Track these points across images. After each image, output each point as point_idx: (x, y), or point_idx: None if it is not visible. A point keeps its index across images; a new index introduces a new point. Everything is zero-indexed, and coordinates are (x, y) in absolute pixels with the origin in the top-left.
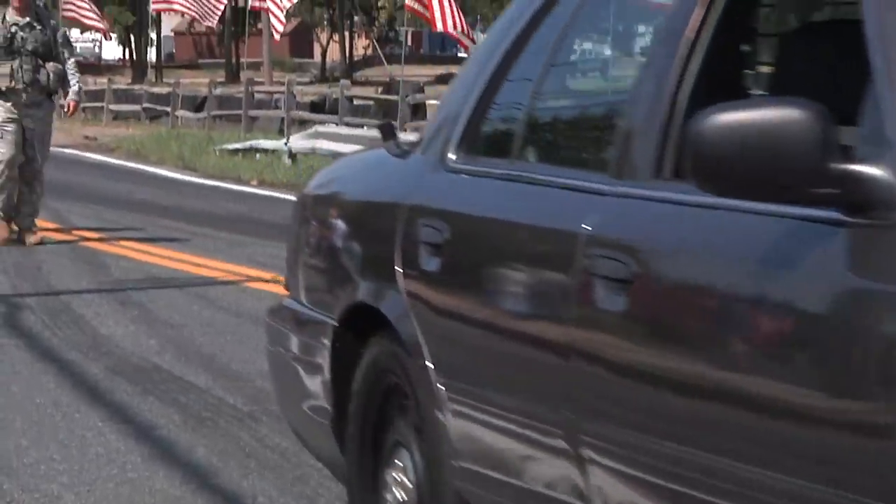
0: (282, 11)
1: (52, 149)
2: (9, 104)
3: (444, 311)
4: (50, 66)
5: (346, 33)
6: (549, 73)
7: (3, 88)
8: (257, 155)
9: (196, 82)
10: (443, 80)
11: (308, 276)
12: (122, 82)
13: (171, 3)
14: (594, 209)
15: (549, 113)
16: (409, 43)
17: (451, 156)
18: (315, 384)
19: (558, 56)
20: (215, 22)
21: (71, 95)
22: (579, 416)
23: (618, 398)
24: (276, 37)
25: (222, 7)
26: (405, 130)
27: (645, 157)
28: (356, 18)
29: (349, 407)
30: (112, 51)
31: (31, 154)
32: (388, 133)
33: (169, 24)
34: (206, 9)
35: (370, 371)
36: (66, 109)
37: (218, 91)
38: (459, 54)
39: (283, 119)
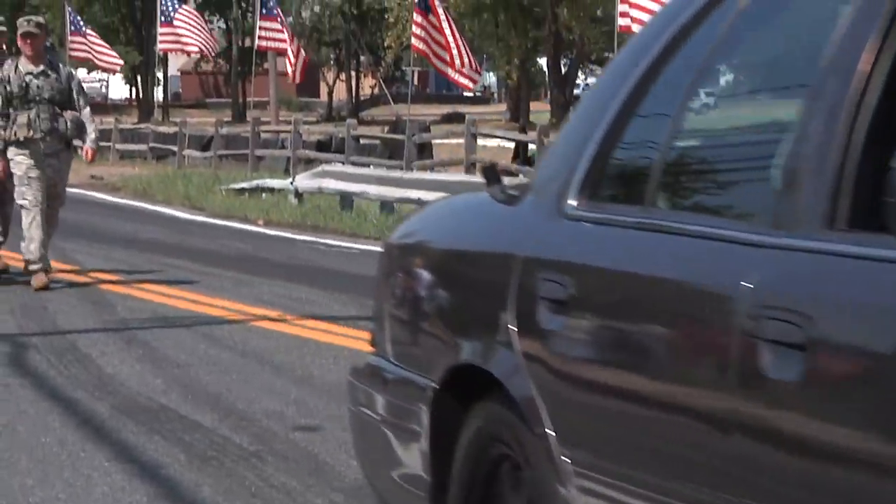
0: (296, 60)
1: None
2: (28, 153)
3: (569, 374)
4: (67, 114)
5: (353, 73)
6: (689, 106)
7: (22, 138)
8: (263, 194)
9: (203, 122)
10: (449, 119)
11: (398, 333)
12: (129, 121)
13: (178, 42)
14: (754, 264)
15: (690, 153)
16: (416, 82)
17: (571, 202)
18: (409, 451)
19: (700, 87)
20: (214, 50)
21: (89, 143)
22: (742, 499)
23: (790, 480)
24: (297, 79)
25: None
26: (411, 169)
27: (814, 205)
28: (363, 58)
29: (450, 478)
30: (119, 90)
31: (47, 202)
32: (493, 177)
33: (175, 64)
34: (207, 42)
35: (476, 439)
36: (85, 157)
37: (224, 130)
38: (465, 93)
39: (289, 158)
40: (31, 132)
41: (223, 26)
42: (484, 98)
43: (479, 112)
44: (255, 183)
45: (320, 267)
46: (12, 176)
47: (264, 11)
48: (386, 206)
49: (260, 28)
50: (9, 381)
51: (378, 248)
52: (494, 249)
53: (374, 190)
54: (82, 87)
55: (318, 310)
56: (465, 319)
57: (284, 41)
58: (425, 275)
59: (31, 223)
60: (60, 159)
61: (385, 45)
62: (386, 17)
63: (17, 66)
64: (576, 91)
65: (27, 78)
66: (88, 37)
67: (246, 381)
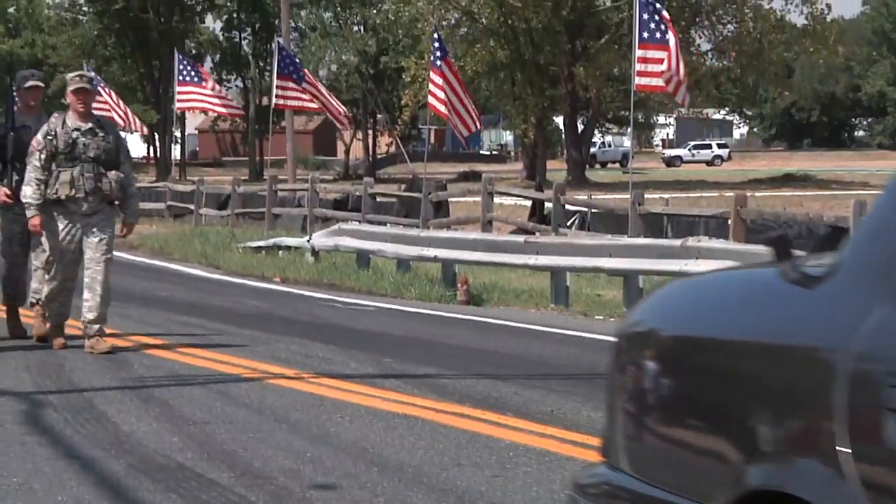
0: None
1: None
2: (66, 212)
3: None
4: (112, 174)
5: (370, 131)
6: None
7: (63, 196)
8: (280, 252)
9: (220, 180)
10: (465, 177)
11: (641, 442)
12: (147, 180)
13: (195, 101)
14: None
15: None
16: (432, 141)
17: None
18: None
19: None
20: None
21: (129, 217)
22: None
23: None
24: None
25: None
26: (428, 228)
27: None
28: (379, 117)
29: None
30: (136, 148)
31: (90, 264)
32: (784, 250)
33: (193, 123)
34: (225, 102)
35: None
36: (121, 233)
37: (241, 189)
38: (482, 152)
39: (305, 216)
40: (74, 191)
41: (240, 85)
42: (500, 156)
43: (496, 170)
44: (271, 241)
45: (337, 324)
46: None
47: (282, 71)
48: (402, 264)
49: (277, 87)
50: (25, 440)
51: (393, 306)
52: (798, 343)
53: (390, 248)
54: (128, 150)
55: (335, 368)
56: (756, 432)
57: (299, 99)
58: (681, 371)
59: (52, 291)
60: (102, 218)
61: (402, 103)
62: (403, 76)
63: (64, 122)
64: (592, 149)
65: (74, 134)
66: (108, 96)
67: (262, 440)
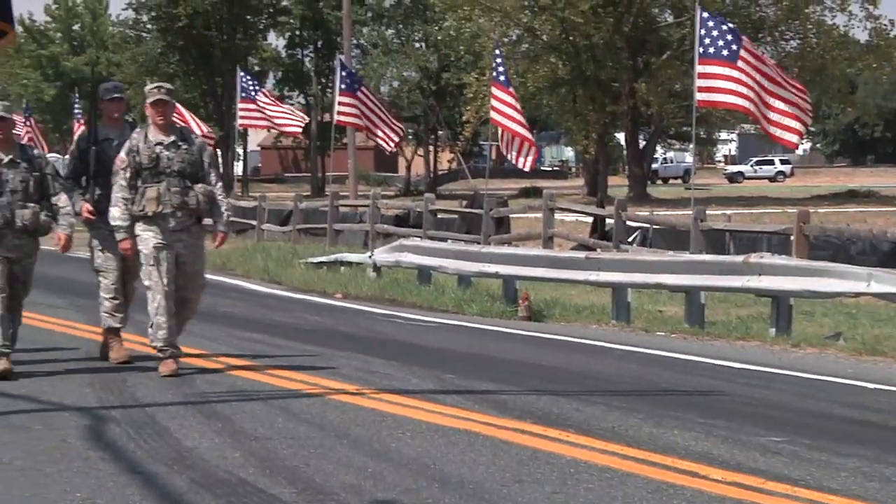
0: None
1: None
2: (156, 229)
3: None
4: (198, 187)
5: (431, 147)
6: None
7: (150, 213)
8: (342, 268)
9: (282, 196)
10: (526, 193)
11: None
12: None
13: (257, 118)
14: None
15: None
16: (493, 157)
17: None
18: None
19: None
20: (299, 129)
21: (221, 227)
22: None
23: None
24: (389, 147)
25: (304, 119)
26: (489, 244)
27: None
28: (441, 133)
29: None
30: None
31: (180, 282)
32: None
33: (255, 139)
34: (290, 119)
35: None
36: (214, 242)
37: (303, 205)
38: (543, 168)
39: (367, 232)
40: (161, 207)
41: (302, 102)
42: (561, 172)
43: (557, 186)
44: (333, 257)
45: (398, 340)
46: (138, 254)
47: (343, 87)
48: (463, 279)
49: (339, 104)
50: (89, 455)
51: (454, 322)
52: None
53: (451, 264)
54: (214, 160)
55: (396, 383)
56: None
57: (359, 116)
58: None
59: (157, 308)
60: (192, 234)
61: (463, 120)
62: (464, 92)
63: (146, 136)
64: (653, 165)
65: (157, 149)
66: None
67: (323, 455)
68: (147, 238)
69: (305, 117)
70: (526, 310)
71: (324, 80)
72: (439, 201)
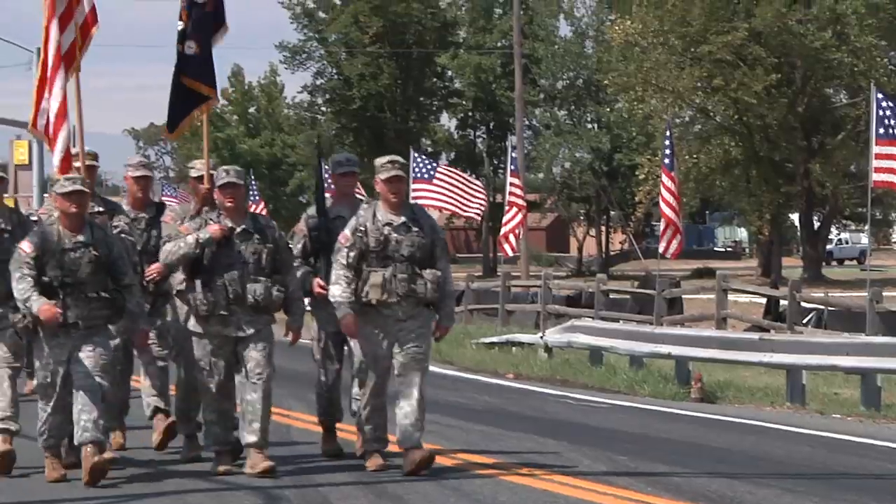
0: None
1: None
2: (377, 320)
3: None
4: (427, 273)
5: (603, 228)
6: None
7: (374, 301)
8: (513, 348)
9: (454, 276)
10: (699, 274)
11: None
12: None
13: (432, 199)
14: None
15: None
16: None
17: None
18: None
19: None
20: (478, 214)
21: (445, 320)
22: None
23: None
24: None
25: (483, 200)
26: (661, 324)
27: None
28: (612, 213)
29: None
30: None
31: (400, 373)
32: None
33: None
34: (466, 202)
35: None
36: (435, 335)
37: (475, 285)
38: (716, 249)
39: (539, 313)
40: (386, 295)
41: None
42: (734, 253)
43: (730, 267)
44: (505, 337)
45: (569, 421)
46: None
47: (514, 168)
48: (635, 360)
49: (510, 185)
50: None
51: (626, 403)
52: None
53: (623, 344)
54: (445, 244)
55: (568, 464)
56: None
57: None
58: None
59: (366, 406)
60: (421, 319)
61: (635, 200)
62: (636, 172)
63: (374, 215)
64: (828, 246)
65: (386, 230)
66: None
67: None
68: (368, 334)
69: (484, 201)
70: (699, 391)
71: (496, 161)
72: (611, 282)
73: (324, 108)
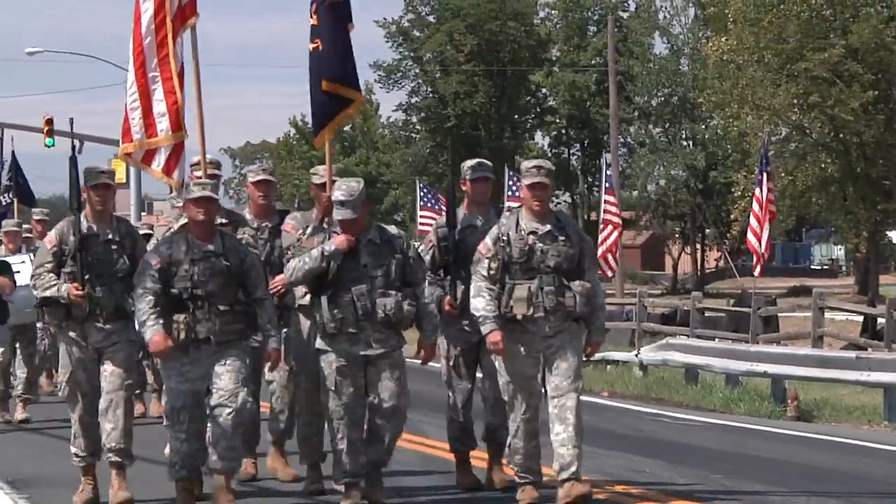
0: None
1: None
2: (522, 334)
3: None
4: (576, 285)
5: (698, 245)
6: None
7: (519, 317)
8: (608, 366)
9: None
10: (795, 292)
11: None
12: None
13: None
14: None
15: None
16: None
17: None
18: None
19: None
20: None
21: (595, 335)
22: None
23: None
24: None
25: None
26: (757, 343)
27: None
28: (707, 231)
29: None
30: None
31: (553, 394)
32: None
33: None
34: None
35: None
36: (586, 352)
37: None
38: (812, 266)
39: (633, 331)
40: (532, 310)
41: (568, 200)
42: (831, 271)
43: (827, 285)
44: (600, 355)
45: (664, 440)
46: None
47: (608, 185)
48: (731, 379)
49: (605, 202)
50: None
51: (722, 421)
52: None
53: (718, 363)
54: (594, 252)
55: (663, 483)
56: None
57: (616, 215)
58: None
59: (517, 431)
60: (570, 334)
61: (731, 218)
62: (732, 190)
63: (517, 223)
64: None
65: (530, 239)
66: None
67: None
68: (514, 352)
69: None
70: (795, 409)
71: (590, 179)
72: (706, 299)
73: (418, 127)
